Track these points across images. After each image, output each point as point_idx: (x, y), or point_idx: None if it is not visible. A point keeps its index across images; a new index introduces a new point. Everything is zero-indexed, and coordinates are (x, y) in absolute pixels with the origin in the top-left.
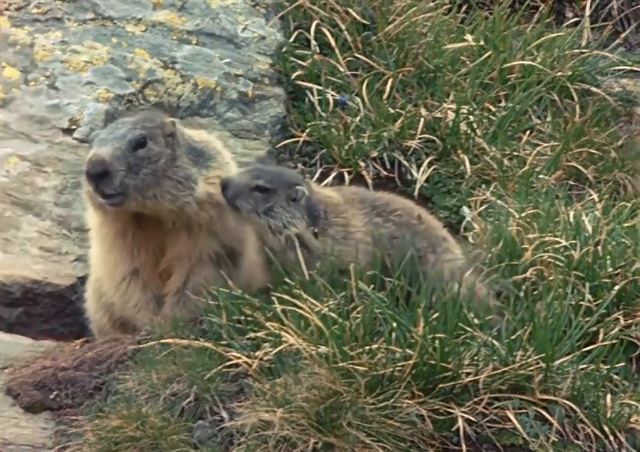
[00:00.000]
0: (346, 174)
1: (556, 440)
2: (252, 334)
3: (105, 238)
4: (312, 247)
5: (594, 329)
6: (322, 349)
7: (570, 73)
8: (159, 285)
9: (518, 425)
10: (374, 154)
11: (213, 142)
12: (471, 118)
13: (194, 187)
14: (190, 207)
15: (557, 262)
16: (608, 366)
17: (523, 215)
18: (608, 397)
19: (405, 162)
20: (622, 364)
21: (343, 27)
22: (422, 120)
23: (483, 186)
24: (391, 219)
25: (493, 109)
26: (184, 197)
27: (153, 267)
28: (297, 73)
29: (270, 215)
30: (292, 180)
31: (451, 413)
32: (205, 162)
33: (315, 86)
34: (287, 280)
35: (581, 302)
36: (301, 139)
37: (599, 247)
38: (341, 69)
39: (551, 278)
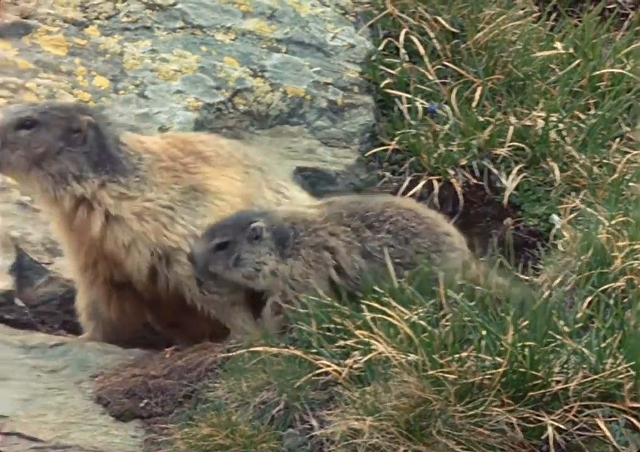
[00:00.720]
0: (435, 183)
1: None
2: (342, 342)
3: None
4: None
5: None
6: (412, 357)
7: None
8: None
9: (608, 434)
10: (464, 162)
11: (149, 158)
12: (560, 126)
13: (71, 183)
14: (65, 203)
15: None
16: None
17: (613, 222)
18: None
19: (494, 170)
20: None
21: (432, 35)
22: (511, 128)
23: (572, 193)
24: (385, 228)
25: (582, 117)
26: (56, 190)
27: None
28: (386, 81)
29: (239, 265)
30: (246, 221)
31: (541, 421)
32: (112, 171)
33: (404, 95)
34: (376, 288)
35: None
36: (390, 147)
37: None
38: (430, 77)
39: None
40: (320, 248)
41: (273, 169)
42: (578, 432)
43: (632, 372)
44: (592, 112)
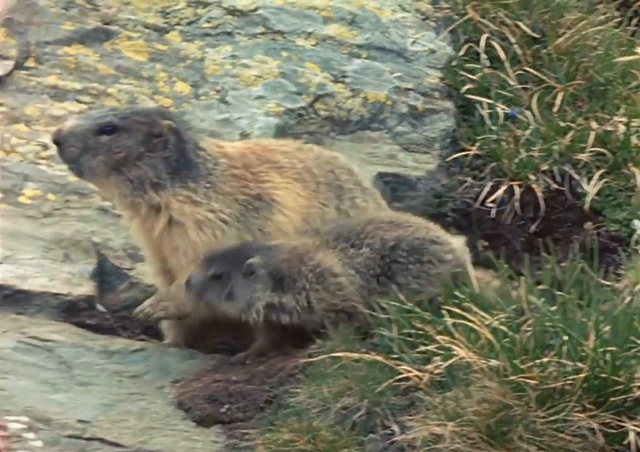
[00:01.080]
0: (516, 188)
1: None
2: (423, 348)
3: None
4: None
5: None
6: (493, 362)
7: None
8: None
9: None
10: (545, 167)
11: (223, 164)
12: None
13: (148, 192)
14: (142, 209)
15: None
16: None
17: None
18: None
19: (576, 176)
20: None
21: (513, 40)
22: (593, 133)
23: None
24: (365, 242)
25: None
26: (134, 197)
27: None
28: (466, 87)
29: (231, 298)
30: (244, 256)
31: (622, 426)
32: (185, 177)
33: (485, 100)
34: (457, 293)
35: None
36: (471, 153)
37: None
38: (511, 82)
39: None
40: (321, 276)
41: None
42: None
43: None
44: None
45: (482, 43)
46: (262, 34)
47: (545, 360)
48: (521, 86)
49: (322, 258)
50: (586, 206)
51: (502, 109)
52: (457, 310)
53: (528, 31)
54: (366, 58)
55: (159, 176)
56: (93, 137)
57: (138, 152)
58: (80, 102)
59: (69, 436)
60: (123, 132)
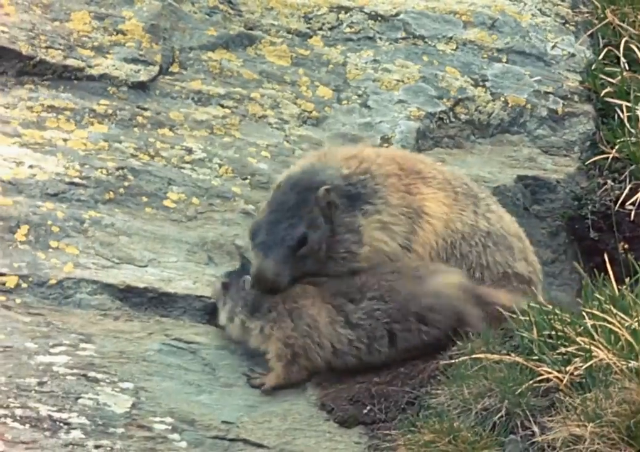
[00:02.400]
0: None
1: None
2: (563, 349)
3: None
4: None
5: None
6: (633, 363)
7: None
8: None
9: None
10: None
11: (370, 176)
12: None
13: (357, 252)
14: (359, 266)
15: None
16: None
17: None
18: None
19: None
20: None
21: None
22: None
23: None
24: (367, 296)
25: None
26: (350, 264)
27: None
28: (606, 90)
29: (222, 309)
30: (246, 270)
31: None
32: (362, 206)
33: (624, 103)
34: (597, 295)
35: None
36: (610, 155)
37: None
38: None
39: None
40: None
41: (493, 200)
42: None
43: None
44: None
45: (622, 46)
46: (403, 38)
47: None
48: None
49: (308, 304)
50: None
51: None
52: (596, 312)
53: None
54: (506, 62)
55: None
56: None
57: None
58: (223, 106)
59: (214, 437)
60: (311, 230)
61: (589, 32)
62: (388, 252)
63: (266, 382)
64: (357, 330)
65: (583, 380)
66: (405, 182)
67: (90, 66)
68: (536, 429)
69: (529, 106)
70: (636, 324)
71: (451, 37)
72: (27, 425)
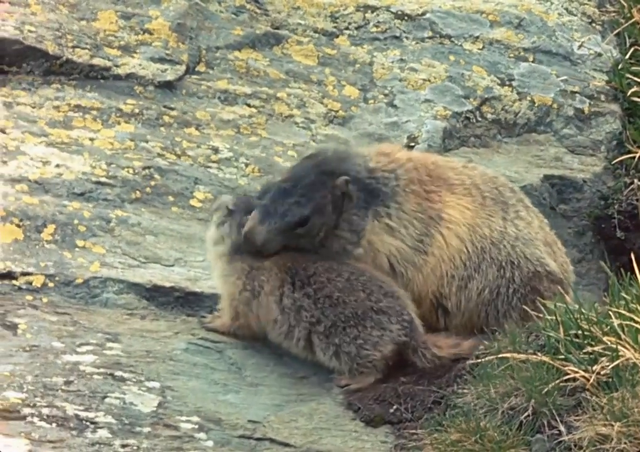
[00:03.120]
0: None
1: None
2: (589, 349)
3: None
4: None
5: None
6: None
7: None
8: None
9: None
10: None
11: (394, 177)
12: None
13: (351, 252)
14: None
15: None
16: None
17: None
18: None
19: None
20: None
21: None
22: None
23: None
24: (311, 288)
25: None
26: (341, 258)
27: None
28: (632, 90)
29: (219, 229)
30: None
31: None
32: (376, 207)
33: None
34: (624, 294)
35: None
36: (637, 155)
37: None
38: None
39: None
40: None
41: (524, 204)
42: None
43: None
44: None
45: None
46: (430, 38)
47: None
48: None
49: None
50: None
51: None
52: (623, 311)
53: None
54: (532, 62)
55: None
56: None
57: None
58: (249, 106)
59: (240, 436)
60: (316, 215)
61: (616, 32)
62: (388, 253)
63: (215, 324)
64: (283, 314)
65: (610, 380)
66: (428, 188)
67: (116, 66)
68: (562, 428)
69: (555, 105)
70: None
71: (477, 37)
72: (54, 424)
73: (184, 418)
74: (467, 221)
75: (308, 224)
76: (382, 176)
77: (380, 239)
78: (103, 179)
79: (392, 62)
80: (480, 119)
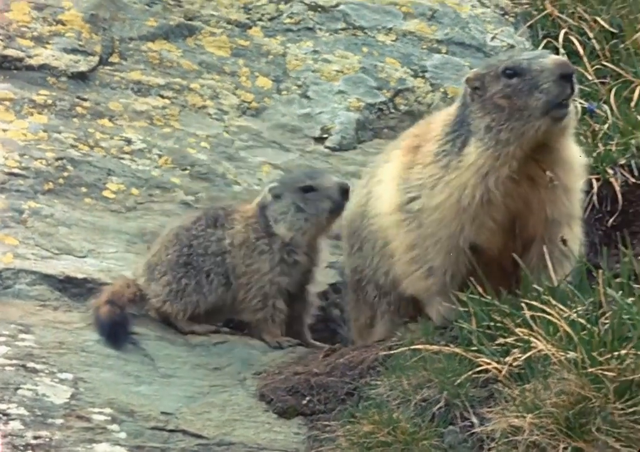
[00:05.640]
0: (594, 181)
1: None
2: (502, 340)
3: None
4: None
5: None
6: (571, 355)
7: None
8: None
9: None
10: (623, 161)
11: None
12: None
13: None
14: None
15: None
16: None
17: None
18: None
19: None
20: None
21: (591, 35)
22: None
23: None
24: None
25: None
26: None
27: None
28: None
29: None
30: None
31: None
32: None
33: None
34: (536, 286)
35: None
36: None
37: None
38: (589, 77)
39: None
40: None
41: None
42: None
43: None
44: None
45: (561, 37)
46: (343, 29)
47: (623, 352)
48: (599, 80)
49: None
50: None
51: (581, 103)
52: (535, 303)
53: (606, 25)
54: (445, 53)
55: None
56: None
57: None
58: (163, 97)
59: (153, 428)
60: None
61: (528, 24)
62: None
63: None
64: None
65: (522, 371)
66: None
67: (29, 57)
68: (475, 420)
69: None
70: (575, 315)
71: (391, 28)
72: None
73: (96, 409)
74: None
75: None
76: None
77: None
78: (15, 171)
79: (305, 53)
80: (393, 111)
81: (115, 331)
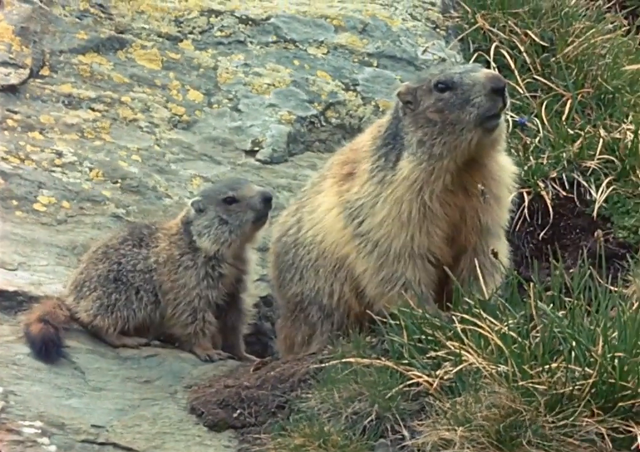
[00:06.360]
0: (525, 195)
1: None
2: (433, 353)
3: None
4: None
5: None
6: (502, 368)
7: None
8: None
9: None
10: (554, 174)
11: None
12: None
13: None
14: None
15: None
16: None
17: None
18: None
19: (584, 183)
20: None
21: (522, 49)
22: (601, 140)
23: None
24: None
25: None
26: None
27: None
28: None
29: None
30: None
31: (630, 431)
32: None
33: None
34: (467, 299)
35: None
36: None
37: None
38: (520, 90)
39: None
40: None
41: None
42: None
43: None
44: None
45: (492, 51)
46: (274, 42)
47: (554, 365)
48: (530, 94)
49: None
50: (595, 213)
51: (512, 117)
52: (466, 316)
53: (537, 39)
54: (376, 67)
55: None
56: None
57: None
58: (94, 110)
59: (83, 441)
60: None
61: (459, 37)
62: None
63: None
64: None
65: (453, 384)
66: None
67: None
68: (406, 433)
69: None
70: (506, 328)
71: (322, 42)
72: None
73: (27, 423)
74: None
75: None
76: None
77: None
78: None
79: (236, 66)
80: (324, 124)
81: (47, 347)
